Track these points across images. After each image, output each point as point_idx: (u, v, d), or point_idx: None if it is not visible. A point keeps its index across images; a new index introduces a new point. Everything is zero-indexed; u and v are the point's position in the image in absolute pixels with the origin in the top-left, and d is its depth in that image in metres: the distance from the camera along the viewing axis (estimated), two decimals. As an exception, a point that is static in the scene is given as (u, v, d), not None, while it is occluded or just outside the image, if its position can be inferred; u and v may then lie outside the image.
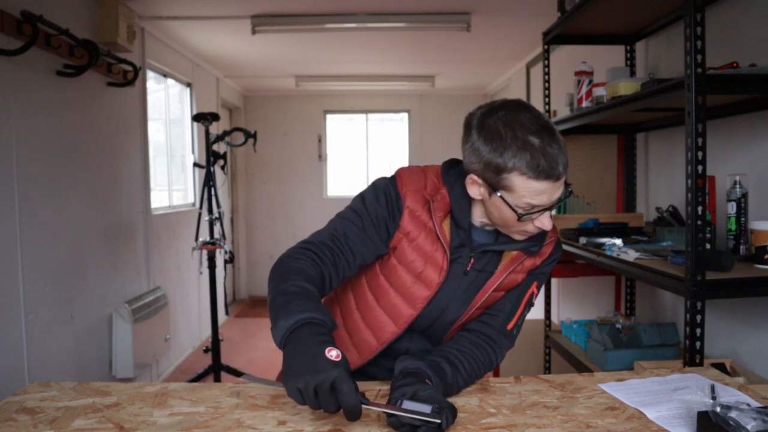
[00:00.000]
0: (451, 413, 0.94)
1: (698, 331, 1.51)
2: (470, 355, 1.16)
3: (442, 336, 1.27)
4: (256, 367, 3.94)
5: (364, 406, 0.90)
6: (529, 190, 1.06)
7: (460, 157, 1.22)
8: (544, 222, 1.10)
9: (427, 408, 0.92)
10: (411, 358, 1.09)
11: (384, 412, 0.96)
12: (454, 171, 1.21)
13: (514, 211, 1.08)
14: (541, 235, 1.20)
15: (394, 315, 1.21)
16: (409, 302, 1.19)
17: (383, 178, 1.23)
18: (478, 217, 1.20)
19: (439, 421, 0.90)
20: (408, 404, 0.93)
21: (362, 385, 1.13)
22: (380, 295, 1.23)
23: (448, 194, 1.18)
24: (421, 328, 1.25)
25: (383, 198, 1.19)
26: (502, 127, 1.06)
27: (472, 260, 1.20)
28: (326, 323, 0.98)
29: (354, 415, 0.89)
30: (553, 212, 1.17)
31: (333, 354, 0.91)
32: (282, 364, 0.94)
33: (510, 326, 1.22)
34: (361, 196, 1.22)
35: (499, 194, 1.08)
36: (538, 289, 1.26)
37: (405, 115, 6.63)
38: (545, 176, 1.04)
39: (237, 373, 3.62)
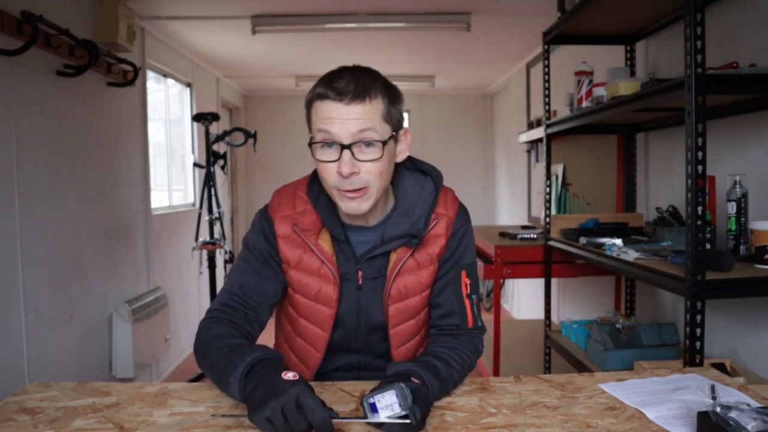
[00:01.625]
0: (419, 409, 0.89)
1: (698, 331, 1.51)
2: (456, 348, 1.14)
3: (388, 348, 1.22)
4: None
5: (334, 420, 0.87)
6: (319, 114, 1.05)
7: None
8: (342, 166, 1.04)
9: (396, 407, 0.89)
10: (401, 363, 1.05)
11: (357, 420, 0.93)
12: (317, 183, 1.18)
13: (310, 146, 1.07)
14: (413, 223, 1.14)
15: (312, 340, 1.21)
16: (318, 325, 1.19)
17: (258, 213, 1.23)
18: (349, 219, 1.17)
19: (408, 421, 0.87)
20: (373, 398, 0.90)
21: (356, 384, 1.13)
22: (295, 325, 1.23)
23: (314, 209, 1.16)
24: (355, 347, 1.23)
25: (261, 235, 1.19)
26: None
27: (360, 272, 1.17)
28: (272, 356, 0.99)
29: (325, 429, 0.85)
30: (367, 161, 1.06)
31: (290, 375, 0.90)
32: (247, 408, 0.91)
33: (470, 324, 1.19)
34: (245, 240, 1.23)
35: (311, 137, 1.07)
36: (471, 277, 1.20)
37: (405, 115, 6.62)
38: (333, 95, 1.02)
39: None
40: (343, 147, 1.04)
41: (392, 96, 1.08)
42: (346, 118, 1.03)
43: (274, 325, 1.37)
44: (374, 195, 1.09)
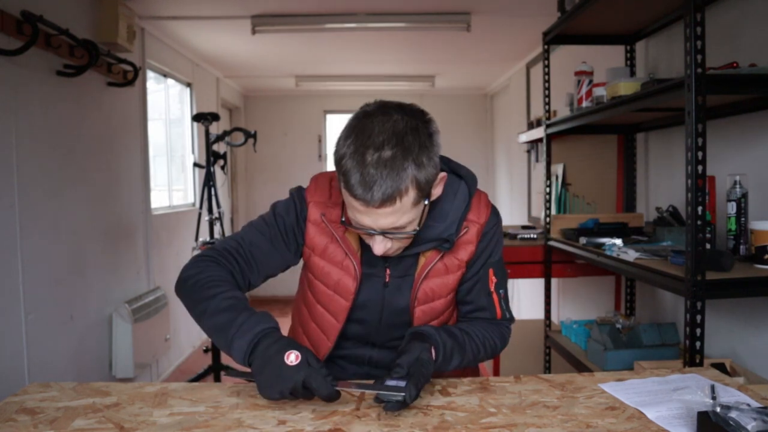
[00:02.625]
0: (414, 387, 0.97)
1: (698, 331, 1.51)
2: (481, 327, 1.19)
3: None
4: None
5: (339, 389, 0.98)
6: (350, 204, 1.03)
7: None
8: (374, 246, 1.06)
9: (401, 383, 0.98)
10: (421, 326, 1.13)
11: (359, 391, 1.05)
12: None
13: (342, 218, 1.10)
14: (445, 227, 1.15)
15: (325, 328, 1.23)
16: (333, 314, 1.21)
17: (297, 188, 1.24)
18: None
19: (402, 394, 0.95)
20: (389, 382, 1.00)
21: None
22: (312, 311, 1.25)
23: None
24: (374, 341, 1.24)
25: (293, 209, 1.20)
26: (357, 122, 1.02)
27: (387, 270, 1.18)
28: (275, 327, 1.04)
29: (332, 400, 0.98)
30: (396, 241, 1.08)
31: (292, 358, 0.97)
32: (254, 376, 1.00)
33: (499, 315, 1.22)
34: (274, 205, 1.23)
35: (343, 189, 1.03)
36: (498, 274, 1.21)
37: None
38: (362, 195, 0.97)
39: (237, 374, 3.62)
40: (375, 233, 1.04)
41: (423, 168, 1.00)
42: (376, 218, 1.01)
43: (292, 309, 1.41)
44: (403, 248, 1.13)
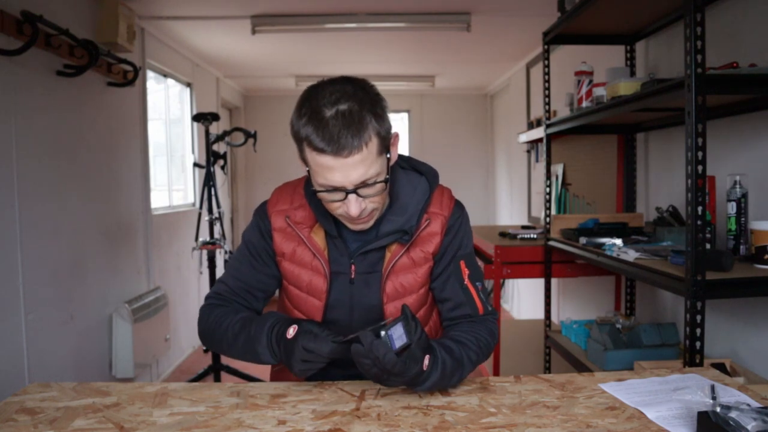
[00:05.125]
0: (382, 345, 0.95)
1: (698, 331, 1.51)
2: (471, 331, 1.18)
3: None
4: (256, 366, 3.94)
5: (341, 341, 1.03)
6: (318, 164, 1.04)
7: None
8: (350, 207, 1.06)
9: (404, 338, 0.98)
10: None
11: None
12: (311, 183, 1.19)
13: (315, 189, 1.09)
14: (405, 220, 1.18)
15: None
16: (310, 315, 1.24)
17: (257, 208, 1.29)
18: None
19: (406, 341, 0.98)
20: (388, 330, 0.98)
21: (356, 384, 1.13)
22: (289, 315, 1.27)
23: (309, 205, 1.20)
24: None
25: (257, 229, 1.26)
26: (306, 95, 1.06)
27: (353, 266, 1.19)
28: (280, 318, 1.13)
29: (334, 356, 1.03)
30: (371, 196, 1.08)
31: (290, 333, 1.07)
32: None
33: (481, 310, 1.22)
34: (244, 233, 1.30)
35: (308, 169, 1.09)
36: (470, 266, 1.23)
37: (405, 115, 6.63)
38: (331, 150, 1.00)
39: (237, 373, 3.62)
40: (347, 191, 1.05)
41: (380, 119, 1.04)
42: (347, 171, 1.02)
43: None
44: (378, 213, 1.15)
